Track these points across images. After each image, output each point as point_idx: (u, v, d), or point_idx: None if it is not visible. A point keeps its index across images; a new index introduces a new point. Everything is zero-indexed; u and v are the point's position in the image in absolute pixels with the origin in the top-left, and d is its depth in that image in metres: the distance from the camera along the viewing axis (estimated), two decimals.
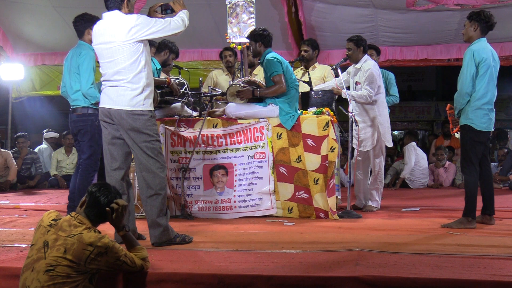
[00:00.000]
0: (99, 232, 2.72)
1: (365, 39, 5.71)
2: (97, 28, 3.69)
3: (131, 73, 3.57)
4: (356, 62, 5.64)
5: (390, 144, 5.69)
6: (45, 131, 10.15)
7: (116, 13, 3.61)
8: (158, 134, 3.74)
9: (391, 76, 6.50)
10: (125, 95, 3.58)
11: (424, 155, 8.96)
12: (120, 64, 3.57)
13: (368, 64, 5.54)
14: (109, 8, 3.64)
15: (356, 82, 5.63)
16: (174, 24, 3.64)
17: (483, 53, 4.37)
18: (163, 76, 5.52)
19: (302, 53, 6.22)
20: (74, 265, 2.55)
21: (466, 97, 4.39)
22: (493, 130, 4.55)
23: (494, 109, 4.50)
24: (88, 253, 2.58)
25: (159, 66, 5.44)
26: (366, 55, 5.67)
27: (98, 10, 4.06)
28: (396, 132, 14.90)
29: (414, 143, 8.82)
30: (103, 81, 3.71)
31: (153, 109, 3.73)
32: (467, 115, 4.42)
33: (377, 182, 5.68)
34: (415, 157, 8.68)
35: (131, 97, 3.58)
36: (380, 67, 6.06)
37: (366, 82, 5.47)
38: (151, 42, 4.45)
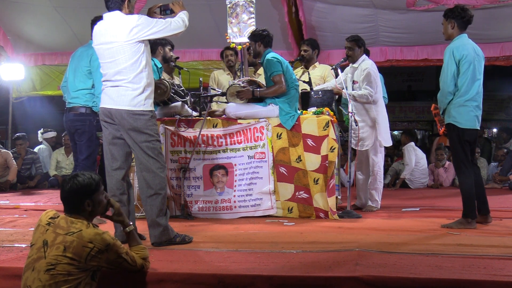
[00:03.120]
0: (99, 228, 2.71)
1: (363, 39, 5.70)
2: (98, 28, 3.70)
3: (132, 73, 3.59)
4: (355, 61, 5.64)
5: (387, 144, 5.67)
6: (40, 131, 10.09)
7: (117, 13, 3.63)
8: (158, 134, 3.76)
9: (380, 76, 6.47)
10: (126, 95, 3.59)
11: (423, 155, 8.96)
12: (121, 64, 3.59)
13: (365, 63, 5.54)
14: (109, 9, 3.65)
15: (353, 81, 5.62)
16: (174, 25, 3.67)
17: (463, 50, 4.31)
18: (164, 76, 5.52)
19: (302, 52, 6.23)
20: (75, 262, 2.55)
21: (449, 96, 4.34)
22: (478, 128, 4.45)
23: (480, 107, 4.42)
24: (88, 250, 2.57)
25: (160, 65, 5.42)
26: (364, 54, 5.67)
27: (99, 10, 4.06)
28: (396, 132, 14.89)
29: (413, 143, 8.82)
30: (103, 81, 3.72)
31: (154, 109, 3.75)
32: (449, 113, 4.38)
33: (377, 182, 5.67)
34: (415, 157, 8.68)
35: (132, 97, 3.59)
36: (380, 67, 6.05)
37: (365, 82, 5.47)
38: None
